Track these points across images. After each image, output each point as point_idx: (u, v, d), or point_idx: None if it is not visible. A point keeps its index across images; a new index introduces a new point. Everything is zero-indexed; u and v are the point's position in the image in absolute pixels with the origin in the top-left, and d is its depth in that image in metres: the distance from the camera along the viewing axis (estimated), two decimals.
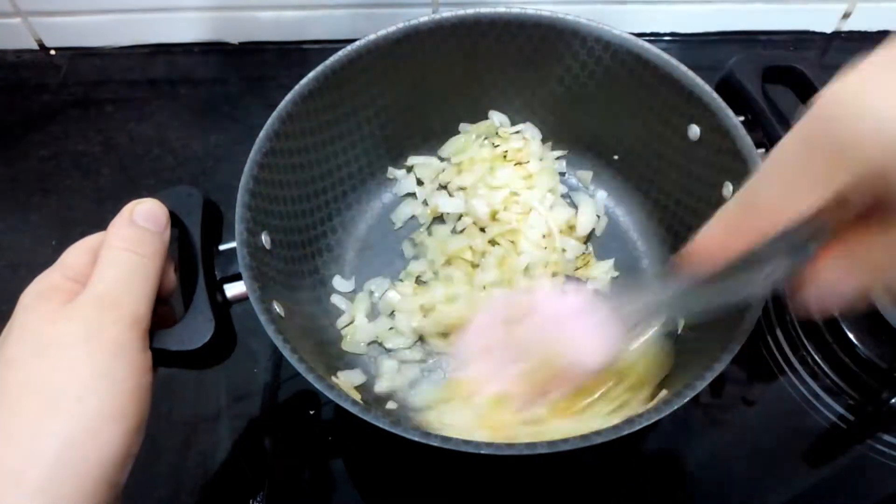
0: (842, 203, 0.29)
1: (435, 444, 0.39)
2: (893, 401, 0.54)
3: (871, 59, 0.27)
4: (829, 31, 0.80)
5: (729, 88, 0.54)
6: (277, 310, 0.47)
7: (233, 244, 0.46)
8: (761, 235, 0.31)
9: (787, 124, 0.52)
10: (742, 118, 0.51)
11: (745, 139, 0.50)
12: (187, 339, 0.42)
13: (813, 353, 0.58)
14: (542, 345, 0.43)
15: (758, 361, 0.58)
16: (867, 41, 0.79)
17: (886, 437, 0.55)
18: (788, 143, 0.30)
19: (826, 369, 0.57)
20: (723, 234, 0.33)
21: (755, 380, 0.58)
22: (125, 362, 0.37)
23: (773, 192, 0.30)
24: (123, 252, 0.39)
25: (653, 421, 0.40)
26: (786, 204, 0.29)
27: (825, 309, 0.33)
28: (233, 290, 0.46)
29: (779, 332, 0.59)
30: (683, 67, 0.53)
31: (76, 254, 0.41)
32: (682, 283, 0.38)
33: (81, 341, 0.36)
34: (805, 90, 0.54)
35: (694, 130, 0.54)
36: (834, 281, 0.32)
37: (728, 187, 0.51)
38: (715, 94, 0.52)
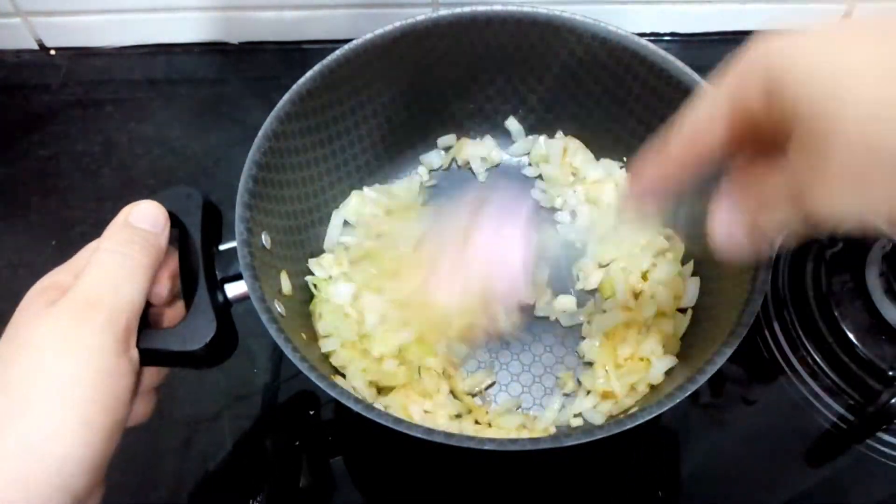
0: (746, 131, 0.31)
1: (438, 441, 0.39)
2: (893, 401, 0.54)
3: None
4: None
5: None
6: (279, 309, 0.47)
7: (233, 244, 0.46)
8: (688, 164, 0.34)
9: None
10: None
11: None
12: (189, 339, 0.42)
13: (813, 353, 0.57)
14: (479, 272, 0.46)
15: (758, 361, 0.58)
16: None
17: (886, 437, 0.55)
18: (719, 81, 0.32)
19: (826, 369, 0.57)
20: (654, 165, 0.35)
21: (755, 380, 0.58)
22: (97, 369, 0.36)
23: (700, 116, 0.33)
24: (110, 253, 0.39)
25: (655, 415, 0.40)
26: (708, 124, 0.32)
27: (736, 250, 0.33)
28: (234, 289, 0.45)
29: (779, 332, 0.59)
30: (679, 63, 0.53)
31: (87, 253, 0.41)
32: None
33: (55, 346, 0.35)
34: None
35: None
36: (729, 219, 0.33)
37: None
38: (707, 85, 0.52)
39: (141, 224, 0.41)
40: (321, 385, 0.41)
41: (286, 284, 0.52)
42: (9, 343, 0.37)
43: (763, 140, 0.30)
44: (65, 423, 0.35)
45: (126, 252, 0.39)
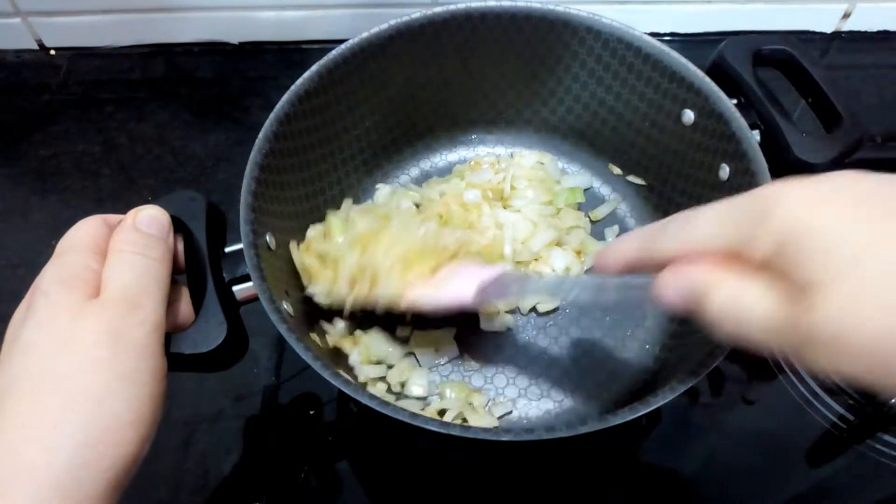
0: (736, 260, 0.31)
1: (455, 434, 0.39)
2: (893, 401, 0.54)
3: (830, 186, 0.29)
4: (829, 31, 0.80)
5: (720, 72, 0.54)
6: (287, 308, 0.47)
7: (238, 246, 0.46)
8: (665, 259, 0.34)
9: (779, 106, 0.52)
10: (734, 101, 0.52)
11: (739, 121, 0.50)
12: (201, 341, 0.42)
13: None
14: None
15: (758, 361, 0.58)
16: (867, 41, 0.80)
17: (886, 437, 0.55)
18: (728, 209, 0.32)
19: None
20: (634, 250, 0.37)
21: (755, 380, 0.58)
22: (147, 367, 0.36)
23: (702, 231, 0.33)
24: (135, 255, 0.39)
25: (667, 400, 0.40)
26: (702, 240, 0.32)
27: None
28: (242, 291, 0.46)
29: None
30: (675, 53, 0.53)
31: (79, 238, 0.40)
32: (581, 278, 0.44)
33: (107, 342, 0.35)
34: (795, 73, 0.54)
35: (688, 115, 0.54)
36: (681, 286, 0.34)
37: (725, 169, 0.51)
38: (707, 79, 0.52)
39: (149, 230, 0.41)
40: (335, 382, 0.41)
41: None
42: (43, 331, 0.36)
43: (751, 266, 0.30)
44: (120, 421, 0.35)
45: (148, 255, 0.40)
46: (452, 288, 0.47)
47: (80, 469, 0.33)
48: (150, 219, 0.41)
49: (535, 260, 0.60)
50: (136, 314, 0.37)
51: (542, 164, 0.65)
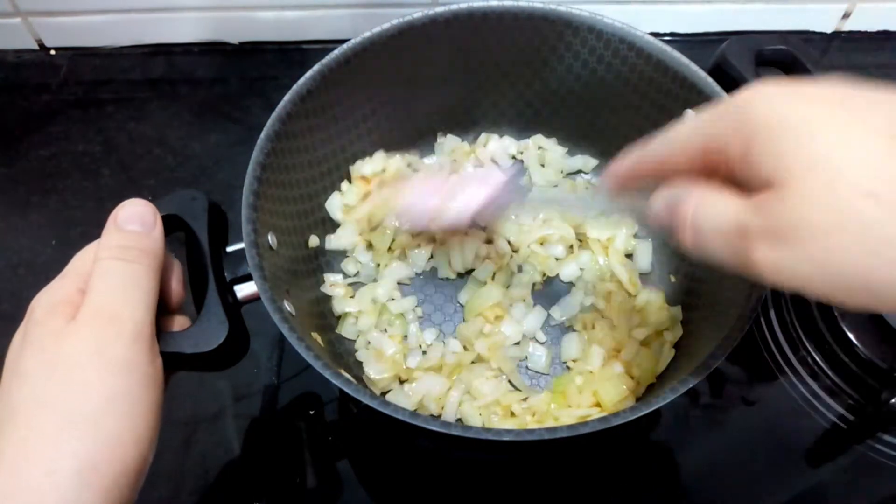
0: (717, 165, 0.31)
1: (455, 434, 0.39)
2: (893, 401, 0.54)
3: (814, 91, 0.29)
4: (829, 31, 0.80)
5: (722, 73, 0.54)
6: (288, 308, 0.47)
7: (240, 245, 0.46)
8: (652, 177, 0.35)
9: None
10: None
11: None
12: (202, 341, 0.42)
13: (813, 353, 0.58)
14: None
15: (758, 361, 0.58)
16: (867, 41, 0.80)
17: (886, 437, 0.55)
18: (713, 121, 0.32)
19: (826, 369, 0.57)
20: (632, 160, 0.37)
21: (755, 380, 0.58)
22: (136, 380, 0.36)
23: (674, 142, 0.34)
24: (112, 261, 0.39)
25: (668, 401, 0.40)
26: (679, 152, 0.33)
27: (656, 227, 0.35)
28: (243, 290, 0.46)
29: (779, 333, 0.59)
30: (676, 54, 0.53)
31: (83, 261, 0.40)
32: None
33: (89, 360, 0.35)
34: (796, 72, 0.54)
35: (690, 116, 0.54)
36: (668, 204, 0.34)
37: None
38: (709, 79, 0.52)
39: (129, 226, 0.40)
40: (336, 382, 0.41)
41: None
42: (33, 358, 0.36)
43: (733, 178, 0.30)
44: (117, 438, 0.35)
45: (127, 258, 0.39)
46: (458, 200, 0.49)
47: (84, 489, 0.33)
48: (130, 215, 0.41)
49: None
50: (113, 326, 0.36)
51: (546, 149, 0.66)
